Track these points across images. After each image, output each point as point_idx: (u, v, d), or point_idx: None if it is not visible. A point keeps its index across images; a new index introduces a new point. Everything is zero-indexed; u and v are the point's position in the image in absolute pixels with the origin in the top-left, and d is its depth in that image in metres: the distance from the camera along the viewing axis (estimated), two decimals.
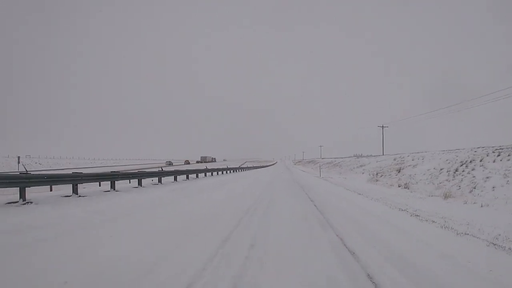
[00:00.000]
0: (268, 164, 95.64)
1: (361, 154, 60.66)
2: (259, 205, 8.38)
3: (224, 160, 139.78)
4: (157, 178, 14.89)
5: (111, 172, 11.76)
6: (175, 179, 16.90)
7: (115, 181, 11.12)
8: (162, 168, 19.64)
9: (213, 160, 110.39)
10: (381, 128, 44.04)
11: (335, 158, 61.86)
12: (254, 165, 71.33)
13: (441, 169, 15.10)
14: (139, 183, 12.93)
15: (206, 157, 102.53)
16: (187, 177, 19.39)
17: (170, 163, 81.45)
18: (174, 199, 9.67)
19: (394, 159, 23.20)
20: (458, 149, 18.15)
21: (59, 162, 54.18)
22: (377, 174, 20.43)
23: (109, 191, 10.50)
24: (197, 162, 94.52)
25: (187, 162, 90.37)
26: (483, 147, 16.41)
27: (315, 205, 8.54)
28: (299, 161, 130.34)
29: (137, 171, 13.12)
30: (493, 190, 10.39)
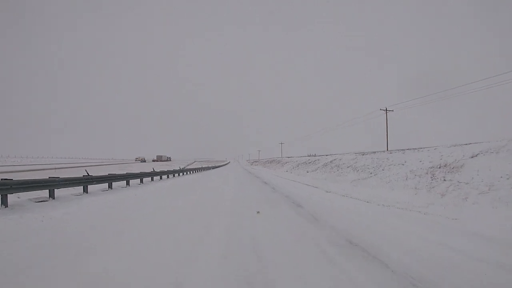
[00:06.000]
0: (218, 165, 72.00)
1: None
2: None
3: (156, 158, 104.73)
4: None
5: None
6: (85, 189, 11.75)
7: None
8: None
9: (168, 159, 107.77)
10: (385, 111, 31.29)
11: (308, 156, 43.68)
12: (195, 167, 47.35)
13: None
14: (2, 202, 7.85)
15: (161, 156, 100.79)
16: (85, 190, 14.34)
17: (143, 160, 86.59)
18: None
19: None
20: None
21: None
22: None
23: None
24: (153, 160, 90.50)
25: (142, 160, 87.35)
26: None
27: None
28: (255, 161, 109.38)
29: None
30: None
